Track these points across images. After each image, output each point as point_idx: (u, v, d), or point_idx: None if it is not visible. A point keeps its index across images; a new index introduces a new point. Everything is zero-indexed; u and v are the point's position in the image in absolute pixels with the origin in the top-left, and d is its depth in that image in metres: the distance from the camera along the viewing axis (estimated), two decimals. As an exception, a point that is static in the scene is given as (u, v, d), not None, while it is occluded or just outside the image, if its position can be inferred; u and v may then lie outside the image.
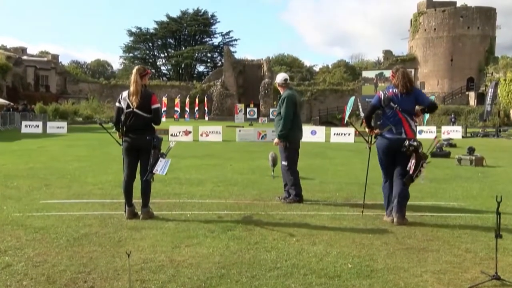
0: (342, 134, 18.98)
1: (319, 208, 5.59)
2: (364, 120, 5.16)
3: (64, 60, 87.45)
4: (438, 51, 50.11)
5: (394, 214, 4.84)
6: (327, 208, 5.59)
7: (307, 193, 6.57)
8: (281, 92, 6.13)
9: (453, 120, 36.65)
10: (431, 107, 5.01)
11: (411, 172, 4.71)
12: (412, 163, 4.69)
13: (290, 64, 75.23)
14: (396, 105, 4.80)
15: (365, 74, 51.86)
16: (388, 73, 40.14)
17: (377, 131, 4.99)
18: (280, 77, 6.14)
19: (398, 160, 4.85)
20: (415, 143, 4.70)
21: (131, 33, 68.49)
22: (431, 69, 50.55)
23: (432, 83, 50.37)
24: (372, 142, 5.17)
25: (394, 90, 4.87)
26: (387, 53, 55.72)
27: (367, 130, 5.15)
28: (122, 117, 4.86)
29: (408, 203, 5.90)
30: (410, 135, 4.81)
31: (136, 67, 4.96)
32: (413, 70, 46.23)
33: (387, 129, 4.86)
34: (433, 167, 10.14)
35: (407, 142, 4.71)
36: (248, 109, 44.37)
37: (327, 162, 11.12)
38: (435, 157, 12.30)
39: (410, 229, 4.59)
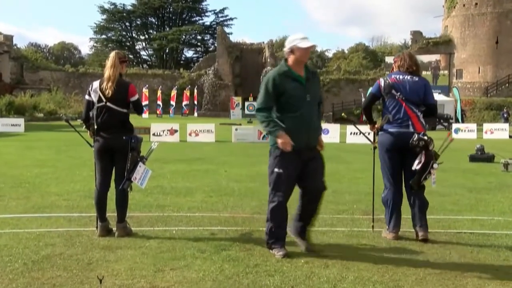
0: (360, 133, 19.03)
1: (333, 223, 5.60)
2: (362, 112, 5.17)
3: (20, 43, 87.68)
4: (480, 31, 50.07)
5: (417, 227, 4.86)
6: (342, 223, 5.61)
7: (318, 205, 6.59)
8: (300, 66, 4.46)
9: (505, 116, 36.52)
10: (430, 111, 5.00)
11: (417, 167, 4.70)
12: (421, 162, 4.70)
13: (297, 48, 75.20)
14: (398, 93, 4.83)
15: (389, 60, 51.81)
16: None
17: (377, 125, 5.01)
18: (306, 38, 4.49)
19: (408, 161, 4.83)
20: (425, 137, 4.70)
21: (103, 10, 68.60)
22: (471, 53, 50.52)
23: (471, 70, 50.34)
24: (376, 141, 5.16)
25: (397, 77, 4.91)
26: (416, 35, 55.74)
27: (368, 126, 5.16)
28: (94, 113, 4.89)
29: (442, 217, 5.96)
30: (420, 128, 4.83)
31: (115, 51, 5.06)
32: (446, 56, 46.21)
33: (385, 120, 4.89)
34: (472, 174, 10.15)
35: (416, 136, 4.71)
36: (246, 103, 44.37)
37: (342, 167, 11.14)
38: (475, 161, 12.33)
39: (444, 249, 4.60)
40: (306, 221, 4.60)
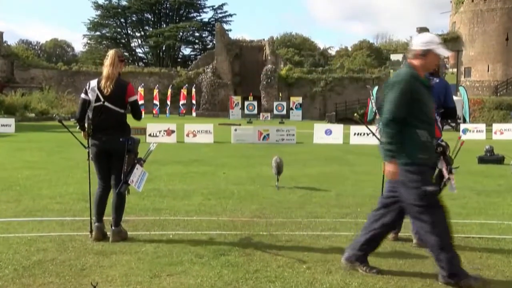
0: (365, 134, 19.03)
1: (336, 227, 5.61)
2: (375, 113, 5.15)
3: (10, 39, 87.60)
4: (489, 27, 50.03)
5: (412, 232, 4.91)
6: (345, 227, 5.61)
7: (320, 208, 6.61)
8: (423, 73, 4.14)
9: None
10: (450, 114, 5.03)
11: (446, 176, 4.69)
12: (445, 168, 4.68)
13: (299, 45, 75.30)
14: None
15: (394, 57, 51.85)
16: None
17: None
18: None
19: None
20: (443, 143, 4.72)
21: (97, 6, 68.55)
22: (480, 51, 50.48)
23: (480, 69, 50.32)
24: None
25: None
26: (422, 31, 55.68)
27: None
28: (90, 114, 4.93)
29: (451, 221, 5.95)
30: (438, 133, 4.82)
31: (114, 49, 5.12)
32: (456, 53, 46.20)
33: None
34: (481, 176, 10.16)
35: (434, 142, 4.68)
36: (246, 103, 44.43)
37: (346, 169, 11.16)
38: (484, 163, 12.33)
39: (452, 254, 4.60)
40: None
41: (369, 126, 6.82)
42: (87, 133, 4.97)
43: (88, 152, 5.03)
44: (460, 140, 5.24)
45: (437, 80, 4.93)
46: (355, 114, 7.10)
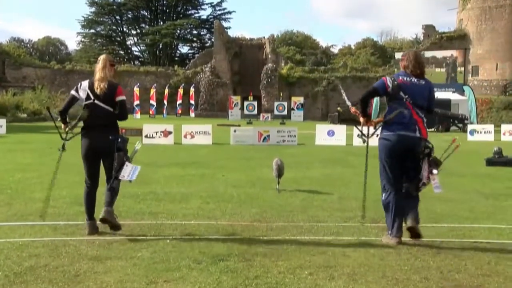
0: (368, 135, 19.10)
1: (339, 232, 5.61)
2: (359, 103, 5.32)
3: (1, 37, 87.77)
4: (498, 25, 50.05)
5: (405, 217, 5.06)
6: (348, 232, 5.62)
7: (323, 212, 6.61)
8: None
9: None
10: (428, 115, 5.23)
11: (424, 180, 4.94)
12: (425, 170, 4.92)
13: (300, 43, 75.41)
14: (406, 96, 5.02)
15: (399, 56, 51.85)
16: (427, 54, 40.34)
17: (378, 119, 5.27)
18: None
19: (407, 165, 5.08)
20: (430, 145, 4.97)
21: (92, 3, 68.61)
22: (488, 49, 50.51)
23: (488, 67, 50.34)
24: (371, 134, 5.44)
25: (405, 78, 5.11)
26: (428, 29, 55.77)
27: (361, 119, 5.38)
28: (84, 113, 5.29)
29: (457, 225, 5.98)
30: (425, 134, 5.08)
31: (104, 55, 5.49)
32: (463, 51, 46.26)
33: (395, 114, 5.01)
34: (489, 179, 10.16)
35: (423, 143, 4.96)
36: (246, 103, 44.47)
37: (349, 171, 11.16)
38: (492, 165, 12.33)
39: (459, 260, 4.61)
40: None
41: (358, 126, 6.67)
42: (66, 126, 5.41)
43: (64, 144, 5.47)
44: (455, 143, 5.31)
45: (423, 82, 5.15)
46: (338, 108, 7.29)
